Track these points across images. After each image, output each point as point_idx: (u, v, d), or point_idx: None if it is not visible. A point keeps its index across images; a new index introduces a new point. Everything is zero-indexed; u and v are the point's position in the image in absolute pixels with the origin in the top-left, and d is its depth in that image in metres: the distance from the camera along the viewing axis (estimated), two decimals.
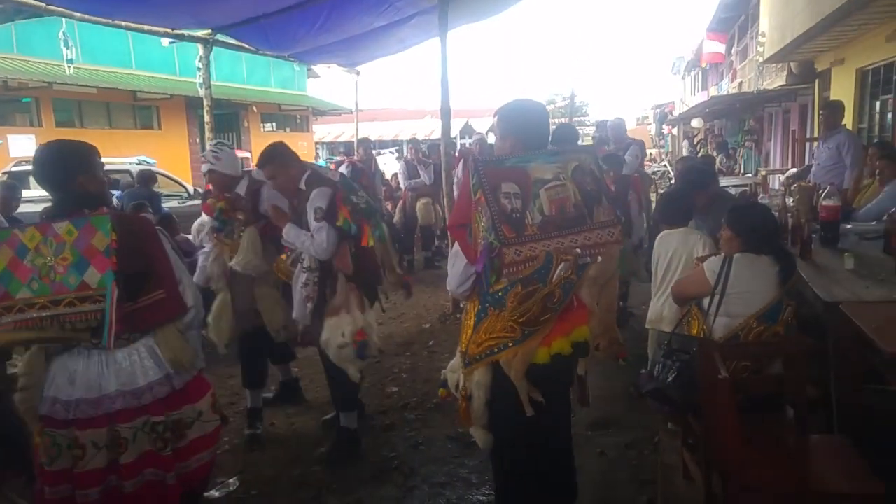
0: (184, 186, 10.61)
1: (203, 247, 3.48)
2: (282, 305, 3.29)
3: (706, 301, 2.57)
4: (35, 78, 14.33)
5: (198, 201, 8.15)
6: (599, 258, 2.00)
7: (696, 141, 20.99)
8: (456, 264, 2.09)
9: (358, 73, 9.55)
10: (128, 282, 1.92)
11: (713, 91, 21.05)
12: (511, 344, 1.98)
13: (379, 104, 31.08)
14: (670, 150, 24.10)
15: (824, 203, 3.58)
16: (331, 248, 2.88)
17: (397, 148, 18.92)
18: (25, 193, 8.86)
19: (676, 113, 26.11)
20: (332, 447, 3.23)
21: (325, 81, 28.55)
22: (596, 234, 1.98)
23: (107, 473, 1.96)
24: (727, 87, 19.03)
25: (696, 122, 20.48)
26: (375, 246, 3.04)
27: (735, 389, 2.06)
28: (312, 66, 20.64)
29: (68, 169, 2.03)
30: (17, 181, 6.60)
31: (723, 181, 7.74)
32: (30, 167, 9.38)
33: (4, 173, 9.04)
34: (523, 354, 1.98)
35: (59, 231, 1.90)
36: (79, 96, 16.21)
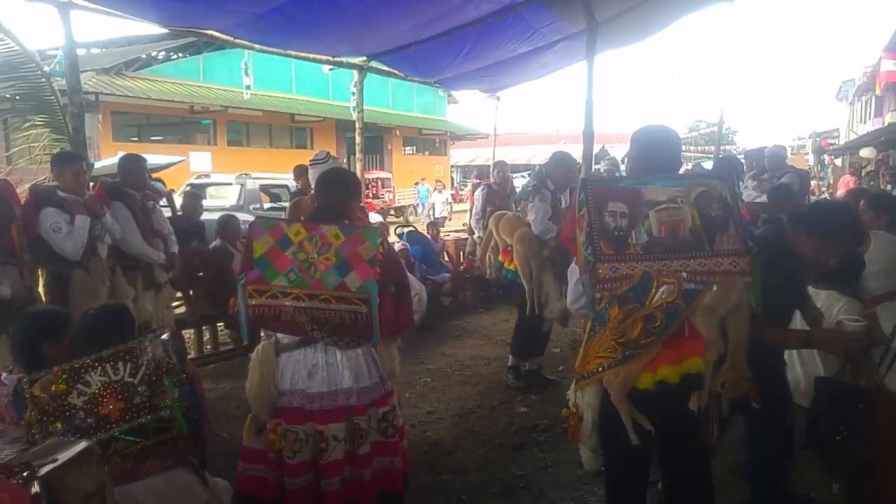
0: None
1: None
2: None
3: (876, 350, 2.28)
4: (215, 103, 16.31)
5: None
6: (715, 287, 1.91)
7: (864, 173, 18.80)
8: (571, 278, 2.18)
9: (498, 99, 9.75)
10: (385, 292, 2.12)
11: (889, 118, 18.84)
12: (614, 364, 1.97)
13: (514, 128, 31.39)
14: (831, 182, 21.76)
15: None
16: None
17: (529, 172, 18.96)
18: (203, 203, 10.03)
19: (842, 142, 23.62)
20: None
21: (463, 107, 29.45)
22: (714, 262, 1.90)
23: (344, 464, 2.15)
24: None
25: (865, 152, 18.26)
26: None
27: None
28: (453, 93, 21.46)
29: (352, 191, 2.45)
30: (198, 191, 7.49)
31: None
32: (207, 181, 10.57)
33: (188, 185, 10.30)
34: (625, 377, 1.96)
35: (327, 233, 2.09)
36: (247, 119, 18.17)
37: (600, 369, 2.01)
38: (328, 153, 3.85)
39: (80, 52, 16.05)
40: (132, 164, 4.09)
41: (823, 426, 2.33)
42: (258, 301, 2.06)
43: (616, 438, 2.04)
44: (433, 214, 15.50)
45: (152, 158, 11.57)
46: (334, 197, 2.37)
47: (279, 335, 2.23)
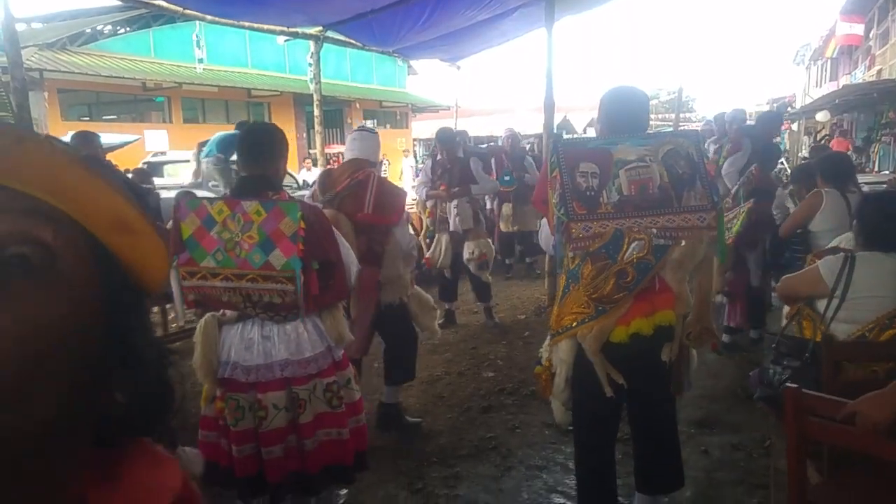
0: (294, 178, 11.30)
1: None
2: None
3: (821, 303, 2.37)
4: (169, 79, 15.72)
5: (306, 192, 8.61)
6: (683, 242, 1.99)
7: (819, 137, 19.28)
8: (543, 227, 2.33)
9: (458, 68, 9.66)
10: (308, 269, 2.07)
11: (844, 80, 19.31)
12: (587, 319, 2.03)
13: (476, 100, 31.20)
14: (787, 147, 22.24)
15: None
16: None
17: (492, 143, 18.91)
18: (159, 181, 9.84)
19: (798, 106, 24.08)
20: None
21: (424, 78, 29.02)
22: (682, 218, 1.98)
23: (287, 432, 2.13)
24: (863, 76, 17.39)
25: (821, 116, 18.61)
26: None
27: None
28: (412, 63, 21.13)
29: (279, 149, 2.20)
30: (148, 170, 7.31)
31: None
32: (164, 158, 10.23)
33: (144, 163, 10.01)
34: (598, 331, 2.02)
35: (248, 210, 2.01)
36: (203, 95, 17.60)
37: (574, 324, 2.07)
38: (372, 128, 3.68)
39: (20, 27, 15.16)
40: (86, 143, 3.93)
41: (772, 378, 2.45)
42: (191, 283, 2.06)
43: (589, 393, 2.11)
44: None
45: (106, 138, 11.18)
46: (256, 166, 2.17)
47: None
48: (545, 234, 2.32)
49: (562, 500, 2.71)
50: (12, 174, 0.47)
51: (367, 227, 2.99)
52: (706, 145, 6.43)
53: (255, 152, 2.19)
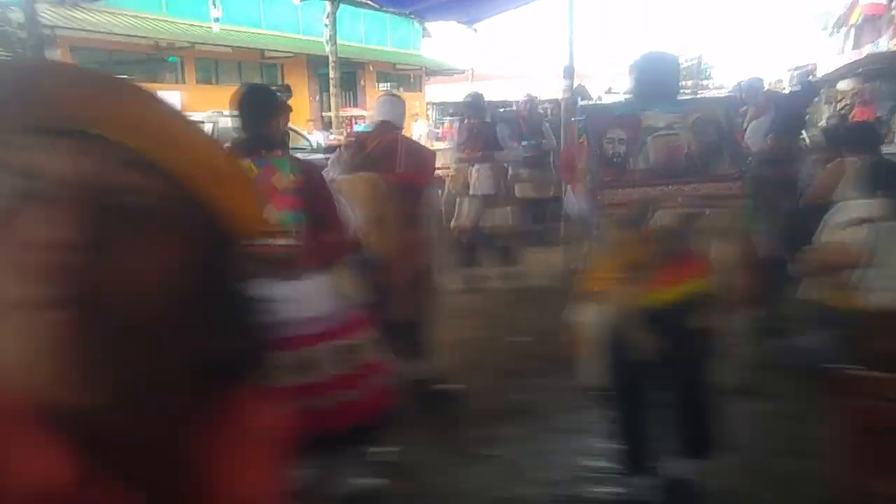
0: (308, 140, 11.26)
1: None
2: None
3: (849, 273, 2.41)
4: (182, 38, 15.57)
5: (320, 155, 8.58)
6: (709, 210, 2.00)
7: (839, 107, 18.91)
8: (570, 193, 2.38)
9: (475, 31, 9.48)
10: (301, 223, 2.07)
11: (868, 49, 18.88)
12: (616, 285, 2.06)
13: (491, 64, 30.70)
14: (807, 117, 21.83)
15: None
16: None
17: (508, 108, 18.63)
18: None
19: (819, 75, 23.52)
20: None
21: (439, 41, 28.43)
22: (709, 186, 1.98)
23: (298, 394, 2.09)
24: (887, 45, 16.98)
25: (843, 84, 18.18)
26: None
27: None
28: (427, 26, 20.77)
29: (274, 108, 2.24)
30: None
31: None
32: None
33: None
34: (626, 297, 2.04)
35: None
36: (216, 55, 17.45)
37: (602, 290, 2.10)
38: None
39: None
40: None
41: (801, 347, 2.47)
42: None
43: (619, 357, 2.15)
44: None
45: None
46: (248, 126, 2.20)
47: None
48: (572, 200, 2.32)
49: (593, 463, 2.74)
50: (110, 124, 0.47)
51: (401, 188, 2.99)
52: None
53: (246, 114, 2.22)
